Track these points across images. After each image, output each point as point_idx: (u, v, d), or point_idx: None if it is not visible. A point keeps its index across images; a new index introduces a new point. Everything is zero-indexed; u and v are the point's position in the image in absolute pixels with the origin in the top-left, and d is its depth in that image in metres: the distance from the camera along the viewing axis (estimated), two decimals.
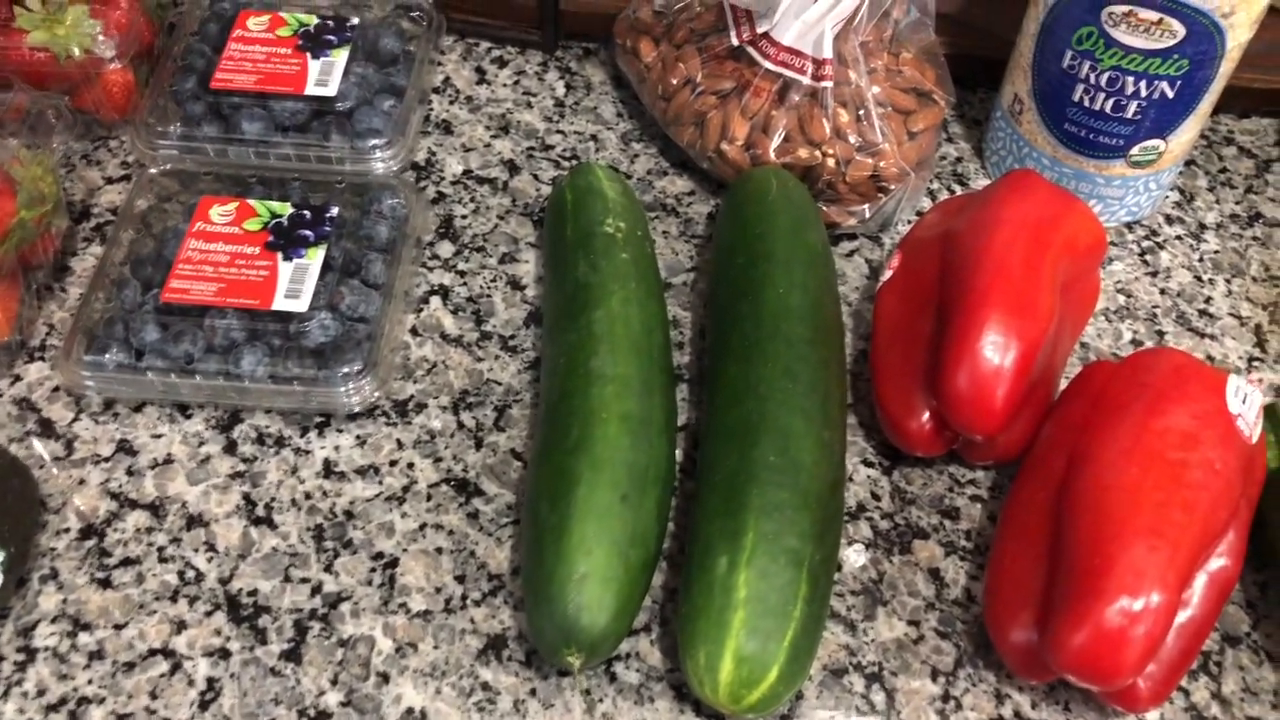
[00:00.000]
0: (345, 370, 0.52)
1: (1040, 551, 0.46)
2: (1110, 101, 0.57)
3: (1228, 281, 0.62)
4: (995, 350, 0.47)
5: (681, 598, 0.45)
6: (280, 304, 0.53)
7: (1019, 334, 0.47)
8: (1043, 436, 0.49)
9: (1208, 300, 0.61)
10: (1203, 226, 0.64)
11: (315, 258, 0.54)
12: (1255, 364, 0.58)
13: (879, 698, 0.47)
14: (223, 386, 0.52)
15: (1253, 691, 0.48)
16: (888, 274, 0.55)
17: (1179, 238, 0.64)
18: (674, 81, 0.62)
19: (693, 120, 0.62)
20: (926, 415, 0.50)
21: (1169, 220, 0.64)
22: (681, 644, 0.44)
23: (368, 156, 0.60)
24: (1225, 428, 0.46)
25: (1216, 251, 0.63)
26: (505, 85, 0.69)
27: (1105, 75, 0.56)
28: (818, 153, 0.59)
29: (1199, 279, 0.62)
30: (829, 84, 0.59)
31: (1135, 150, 0.59)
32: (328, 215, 0.56)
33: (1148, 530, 0.43)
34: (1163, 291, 0.61)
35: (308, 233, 0.55)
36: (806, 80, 0.58)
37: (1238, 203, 0.65)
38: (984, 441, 0.49)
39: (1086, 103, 0.57)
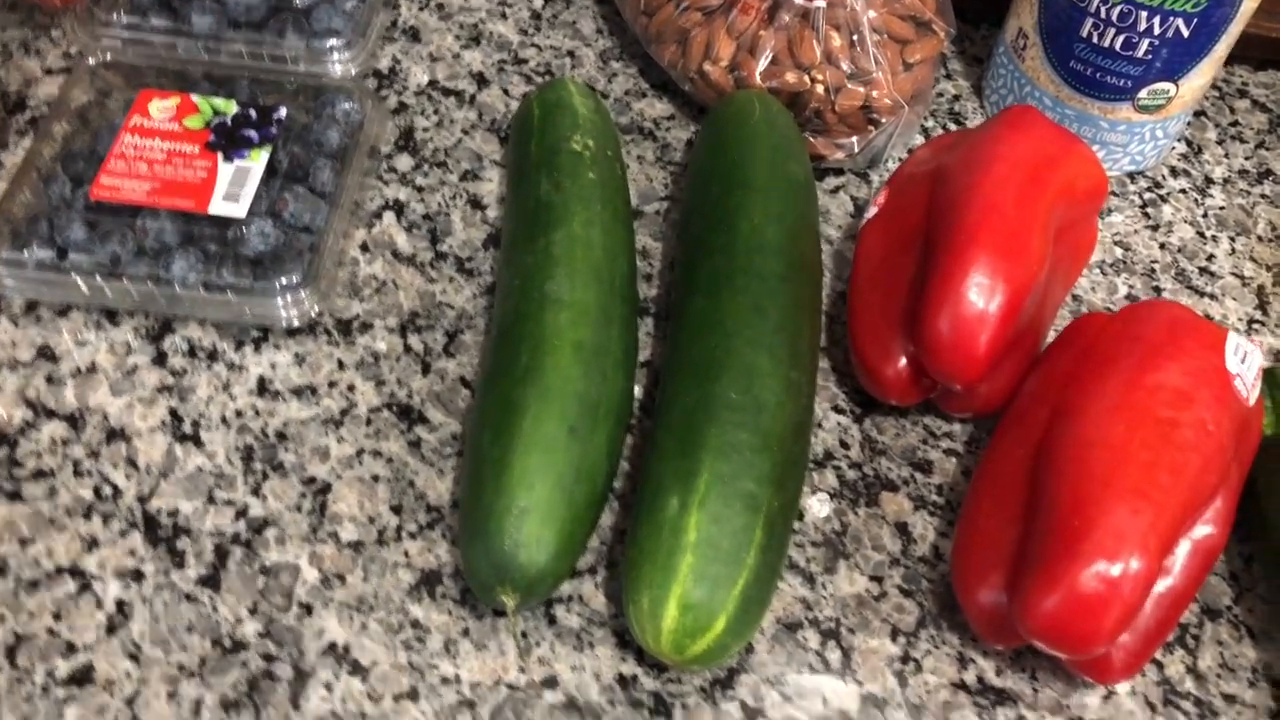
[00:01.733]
0: (283, 281, 0.48)
1: (1015, 509, 0.43)
2: (1121, 38, 0.53)
3: (1232, 240, 0.58)
4: (980, 293, 0.43)
5: (629, 540, 0.42)
6: (217, 207, 0.49)
7: (1006, 277, 0.43)
8: (1026, 389, 0.46)
9: (1210, 258, 0.58)
10: (1209, 181, 0.61)
11: (259, 160, 0.51)
12: (1256, 326, 0.55)
13: (834, 655, 0.44)
14: (152, 293, 0.48)
15: (1230, 668, 0.45)
16: (873, 210, 0.51)
17: (1183, 191, 0.60)
18: None
19: (675, 38, 0.58)
20: (903, 361, 0.47)
21: (1174, 173, 0.61)
22: (625, 588, 0.41)
23: (324, 58, 0.56)
24: (1221, 387, 0.43)
25: (1222, 208, 0.60)
26: None
27: (1117, 9, 0.52)
28: (806, 77, 0.55)
29: (1202, 235, 0.58)
30: (822, 4, 0.55)
31: (1144, 93, 0.55)
32: (275, 117, 0.52)
33: (1131, 491, 0.40)
34: (1163, 246, 0.58)
35: (252, 134, 0.51)
36: (798, 0, 0.55)
37: (1247, 158, 0.62)
38: (963, 391, 0.46)
39: (1095, 39, 0.54)
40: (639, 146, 0.59)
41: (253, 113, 0.52)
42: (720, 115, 0.54)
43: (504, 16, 0.64)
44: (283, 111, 0.52)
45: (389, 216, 0.55)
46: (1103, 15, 0.53)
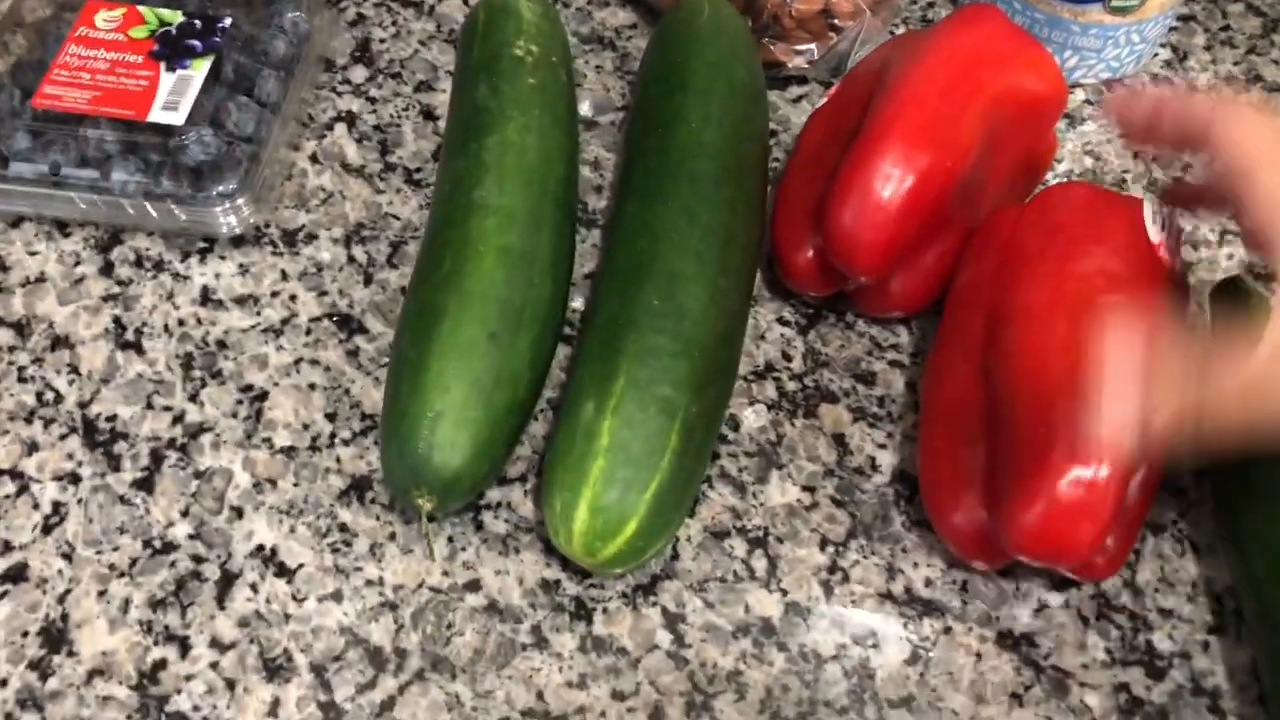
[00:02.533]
0: (221, 189, 0.48)
1: (974, 427, 0.42)
2: None
3: None
4: (885, 182, 0.42)
5: (547, 444, 0.42)
6: (156, 115, 0.49)
7: (917, 167, 0.42)
8: (954, 293, 0.45)
9: (1185, 168, 0.55)
10: (1193, 89, 0.58)
11: (200, 69, 0.50)
12: (1228, 236, 0.53)
13: (760, 564, 0.44)
14: (94, 201, 0.49)
15: (1169, 582, 0.44)
16: (821, 103, 0.50)
17: None
18: None
19: None
20: (811, 250, 0.46)
21: (1155, 80, 0.59)
22: (542, 492, 0.41)
23: None
24: (1148, 257, 0.41)
25: None
26: None
27: None
28: None
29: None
30: None
31: None
32: (220, 25, 0.52)
33: (1084, 389, 0.38)
34: (1136, 155, 0.56)
35: (195, 42, 0.51)
36: None
37: (1236, 64, 0.59)
38: (872, 284, 0.45)
39: None
40: (598, 56, 0.58)
41: (198, 23, 0.52)
42: (669, 19, 0.52)
43: None
44: (228, 20, 0.52)
45: (340, 128, 0.55)
46: None
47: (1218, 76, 0.59)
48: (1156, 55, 0.59)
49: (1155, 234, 0.41)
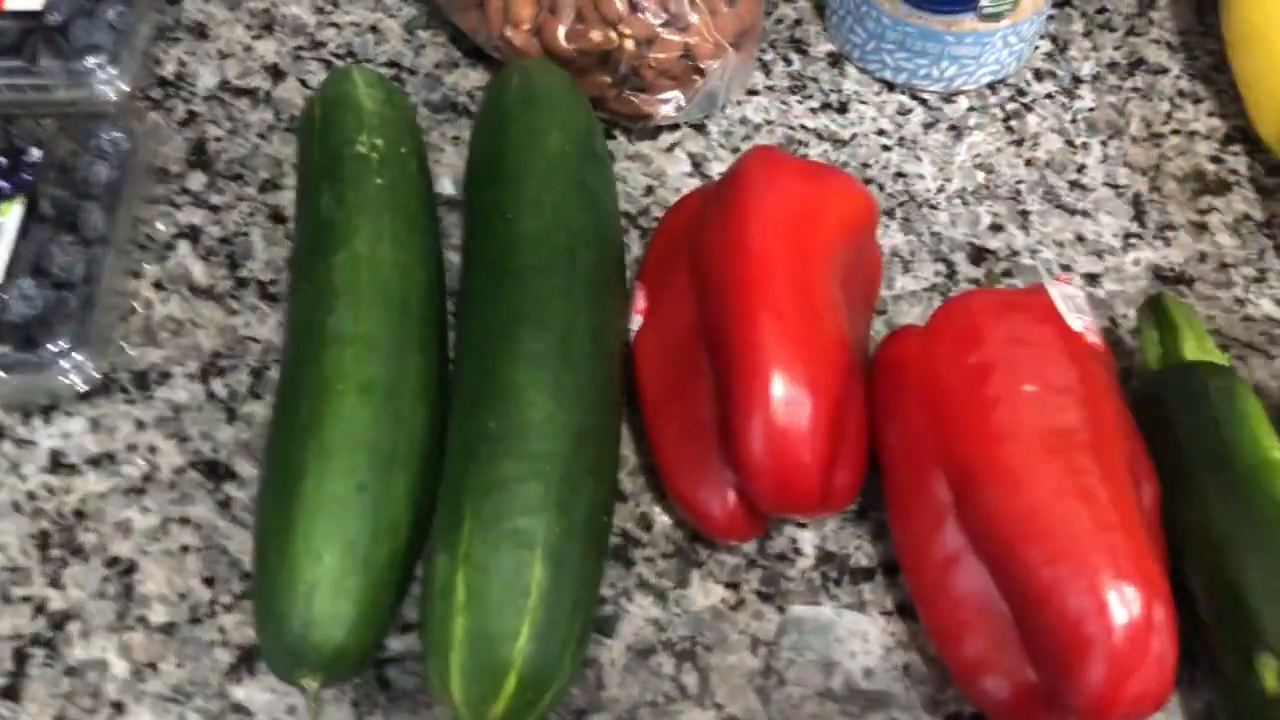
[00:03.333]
0: (54, 348, 0.44)
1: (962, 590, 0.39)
2: None
3: (1103, 145, 0.54)
4: (790, 415, 0.38)
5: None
6: None
7: (812, 378, 0.38)
8: (887, 453, 0.42)
9: (1080, 169, 0.53)
10: (1077, 80, 0.56)
11: (11, 215, 0.46)
12: (1133, 241, 0.51)
13: (690, 679, 0.41)
14: None
15: None
16: (637, 320, 0.45)
17: (1049, 96, 0.55)
18: None
19: (474, 1, 0.53)
20: (732, 496, 0.41)
21: (1038, 75, 0.56)
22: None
23: (88, 79, 0.50)
24: (1081, 348, 0.39)
25: (1092, 109, 0.55)
26: None
27: None
28: (613, 33, 0.50)
29: (1071, 144, 0.54)
30: None
31: (985, 1, 0.50)
32: (27, 160, 0.47)
33: (1098, 535, 0.36)
34: (1029, 163, 0.53)
35: (2, 184, 0.46)
36: None
37: (1117, 48, 0.57)
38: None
39: None
40: (454, 125, 0.54)
41: (2, 160, 0.47)
42: (482, 100, 0.49)
43: None
44: (35, 153, 0.47)
45: (183, 246, 0.51)
46: None
47: (1100, 65, 0.56)
48: (1037, 49, 0.57)
49: (1075, 320, 0.39)
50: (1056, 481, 0.37)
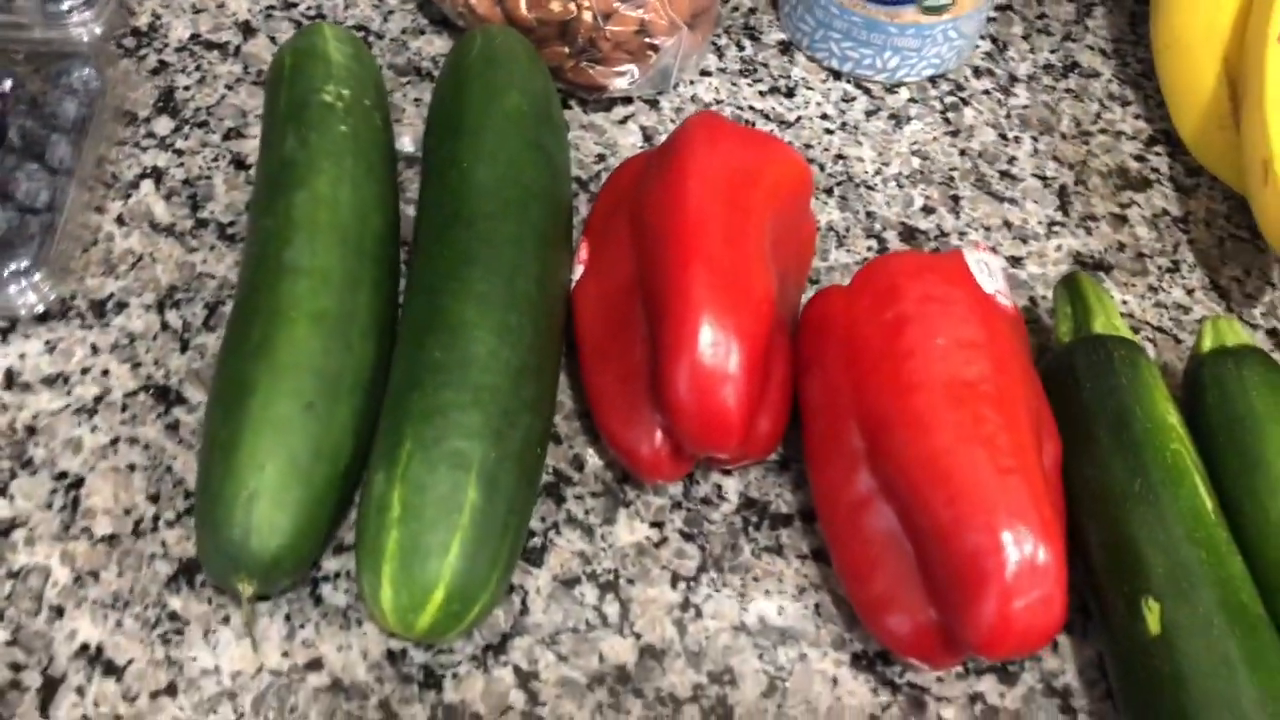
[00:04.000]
0: (13, 267, 0.45)
1: (879, 536, 0.41)
2: None
3: (1035, 140, 0.57)
4: (716, 356, 0.40)
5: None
6: None
7: (738, 332, 0.40)
8: (807, 403, 0.44)
9: (1011, 160, 0.56)
10: (1014, 79, 0.59)
11: None
12: (1056, 229, 0.54)
13: (612, 609, 0.43)
14: None
15: None
16: (579, 270, 0.47)
17: (986, 92, 0.58)
18: None
19: None
20: (659, 436, 0.43)
21: (977, 73, 0.59)
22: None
23: (63, 21, 0.52)
24: (990, 311, 0.42)
25: (1026, 106, 0.58)
26: None
27: None
28: (572, 5, 0.52)
29: (1004, 137, 0.57)
30: None
31: None
32: (1, 90, 0.49)
33: (994, 474, 0.38)
34: (963, 153, 0.56)
35: None
36: None
37: (1053, 51, 0.60)
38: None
39: None
40: (416, 88, 0.56)
41: None
42: (447, 60, 0.51)
43: None
44: (7, 84, 0.49)
45: (146, 185, 0.52)
46: None
47: (1036, 66, 0.59)
48: (978, 48, 0.60)
49: (988, 283, 0.41)
50: (961, 428, 0.39)
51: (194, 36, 0.57)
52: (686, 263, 0.42)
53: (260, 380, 0.40)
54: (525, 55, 0.51)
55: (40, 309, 0.47)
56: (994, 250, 0.44)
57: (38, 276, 0.46)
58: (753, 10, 0.60)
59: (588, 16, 0.52)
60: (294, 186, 0.45)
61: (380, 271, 0.45)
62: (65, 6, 0.52)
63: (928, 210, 0.54)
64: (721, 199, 0.43)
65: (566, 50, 0.54)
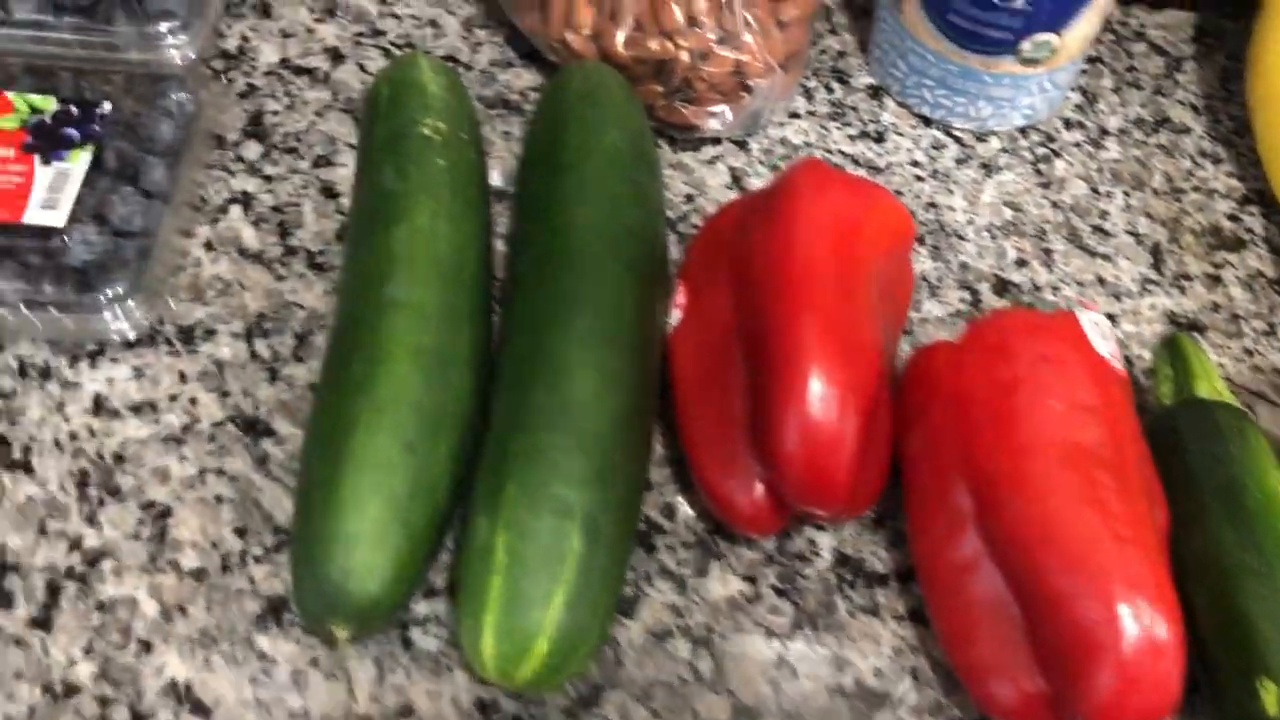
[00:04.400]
0: (109, 293, 0.45)
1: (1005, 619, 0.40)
2: None
3: (1127, 195, 0.56)
4: (826, 411, 0.39)
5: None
6: (35, 216, 0.45)
7: (848, 384, 0.39)
8: (910, 461, 0.43)
9: (1103, 215, 0.55)
10: (1104, 132, 0.58)
11: (79, 161, 0.47)
12: (1150, 287, 0.53)
13: (705, 664, 0.42)
14: None
15: None
16: (676, 315, 0.46)
17: (1077, 145, 0.58)
18: None
19: (535, 4, 0.54)
20: (760, 489, 0.42)
21: (1068, 125, 0.58)
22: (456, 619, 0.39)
23: (159, 43, 0.52)
24: (1108, 374, 0.41)
25: (1117, 160, 0.57)
26: None
27: None
28: (670, 44, 0.52)
29: (1096, 191, 0.56)
30: None
31: (1026, 45, 0.52)
32: (99, 112, 0.49)
33: (1111, 543, 0.37)
34: (1055, 205, 0.55)
35: (72, 132, 0.48)
36: None
37: (1144, 106, 0.60)
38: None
39: None
40: (506, 121, 0.56)
41: (74, 109, 0.48)
42: (544, 94, 0.51)
43: None
44: (106, 106, 0.49)
45: (235, 210, 0.52)
46: None
47: (1127, 120, 0.59)
48: (1068, 99, 0.59)
49: (1102, 345, 0.41)
50: (1076, 493, 0.38)
51: (283, 61, 0.57)
52: (796, 313, 0.41)
53: (361, 417, 0.40)
54: (622, 93, 0.50)
55: (131, 336, 0.46)
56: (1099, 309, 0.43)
57: (132, 303, 0.45)
58: (841, 54, 0.60)
59: (685, 56, 0.52)
60: (393, 220, 0.45)
61: (477, 306, 0.45)
62: (162, 28, 0.52)
63: (1021, 263, 0.53)
64: (830, 248, 0.43)
65: (660, 89, 0.53)
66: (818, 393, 0.40)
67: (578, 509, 0.39)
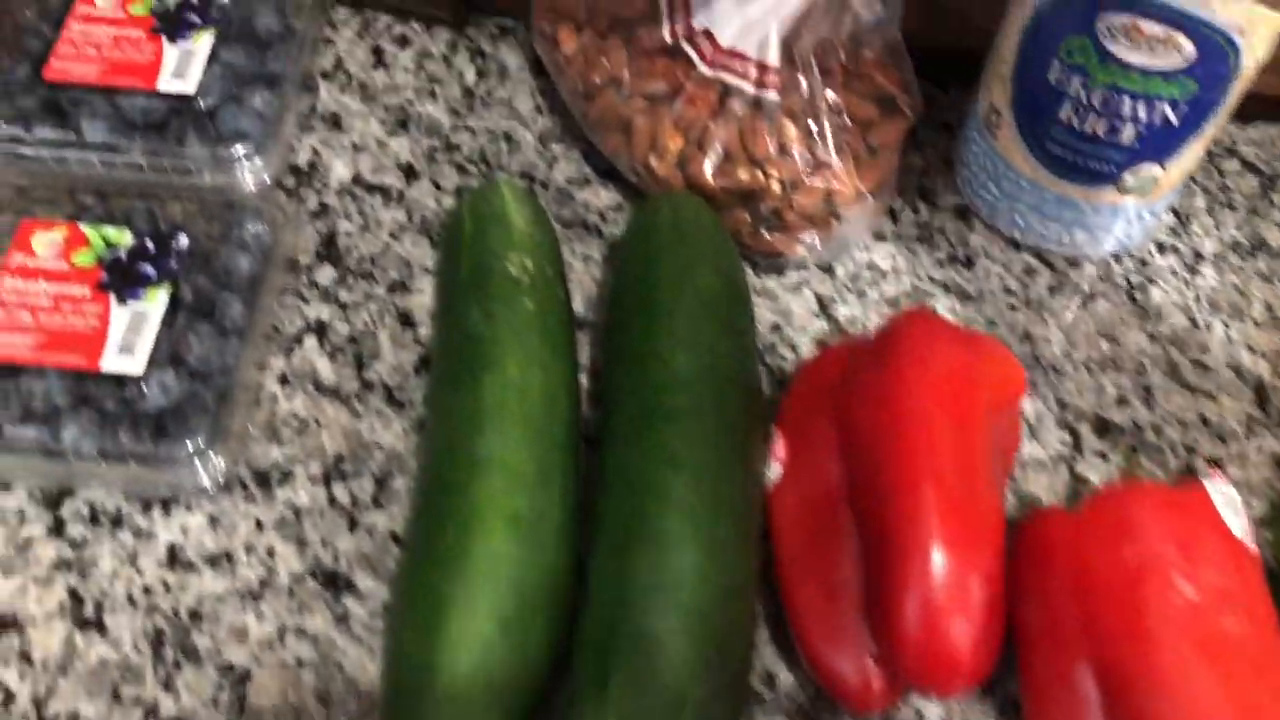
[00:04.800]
0: (189, 446, 0.43)
1: None
2: (1103, 124, 0.48)
3: (1226, 325, 0.54)
4: (949, 593, 0.37)
5: None
6: (111, 362, 0.44)
7: (972, 564, 0.38)
8: (1026, 635, 0.41)
9: (1203, 349, 0.53)
10: (1199, 256, 0.56)
11: (156, 301, 0.46)
12: (1255, 428, 0.51)
13: None
14: (42, 463, 0.43)
15: None
16: (776, 469, 0.44)
17: (1173, 271, 0.56)
18: (596, 80, 0.53)
19: (618, 127, 0.53)
20: (870, 665, 0.40)
21: (1161, 249, 0.57)
22: None
23: (232, 166, 0.51)
24: (1241, 554, 0.39)
25: (1215, 288, 0.55)
26: (406, 69, 0.59)
27: (1098, 94, 0.47)
28: (760, 174, 0.50)
29: (1194, 322, 0.54)
30: (774, 93, 0.50)
31: (1129, 178, 0.51)
32: (175, 247, 0.47)
33: None
34: (1152, 337, 0.53)
35: (149, 269, 0.46)
36: (749, 88, 0.50)
37: (1239, 228, 0.58)
38: None
39: (1075, 124, 0.49)
40: (584, 243, 0.54)
41: (150, 244, 0.47)
42: (630, 227, 0.49)
43: (433, 96, 0.58)
44: (183, 241, 0.47)
45: (310, 341, 0.50)
46: (1084, 100, 0.48)
47: (1223, 243, 0.57)
48: (1160, 221, 0.57)
49: (1237, 525, 0.39)
50: (1217, 694, 0.36)
51: (355, 178, 0.55)
52: (915, 483, 0.39)
53: (455, 596, 0.38)
54: (713, 227, 0.49)
55: (209, 487, 0.45)
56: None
57: (212, 454, 0.44)
58: (925, 171, 0.58)
59: (775, 186, 0.50)
60: (482, 368, 0.43)
61: (569, 461, 0.43)
62: (237, 151, 0.50)
63: (1121, 401, 0.51)
64: (944, 408, 0.41)
65: (748, 217, 0.52)
66: (940, 572, 0.38)
67: (687, 700, 0.37)
